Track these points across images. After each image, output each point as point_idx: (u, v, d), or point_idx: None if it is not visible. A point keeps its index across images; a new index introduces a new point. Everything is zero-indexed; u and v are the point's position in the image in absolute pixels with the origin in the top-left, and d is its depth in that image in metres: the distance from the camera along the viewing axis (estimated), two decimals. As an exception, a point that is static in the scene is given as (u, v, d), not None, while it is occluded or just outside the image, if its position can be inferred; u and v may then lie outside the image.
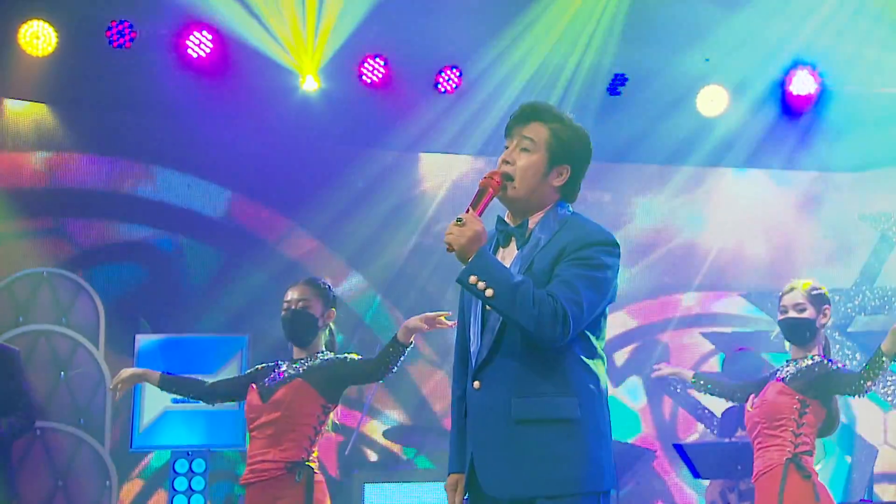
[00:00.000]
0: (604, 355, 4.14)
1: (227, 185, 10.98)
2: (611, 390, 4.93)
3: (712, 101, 11.29)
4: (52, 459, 9.66)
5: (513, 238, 4.17)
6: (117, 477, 9.62)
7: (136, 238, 10.69)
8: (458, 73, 11.06)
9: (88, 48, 10.04)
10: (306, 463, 6.15)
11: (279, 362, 6.40)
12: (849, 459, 11.20)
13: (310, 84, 10.60)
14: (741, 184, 12.00)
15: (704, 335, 11.66)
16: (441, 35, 11.05)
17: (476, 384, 4.07)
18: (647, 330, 11.67)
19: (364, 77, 10.85)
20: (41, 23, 9.77)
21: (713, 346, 11.63)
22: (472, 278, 3.90)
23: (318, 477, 6.22)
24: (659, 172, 11.72)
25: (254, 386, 6.33)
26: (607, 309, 4.19)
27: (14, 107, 10.35)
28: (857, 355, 11.31)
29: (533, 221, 4.17)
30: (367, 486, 7.66)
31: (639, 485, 9.81)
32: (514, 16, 10.82)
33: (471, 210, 4.01)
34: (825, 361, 6.50)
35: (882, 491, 11.20)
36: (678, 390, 11.52)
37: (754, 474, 6.53)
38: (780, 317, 6.62)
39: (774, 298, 11.44)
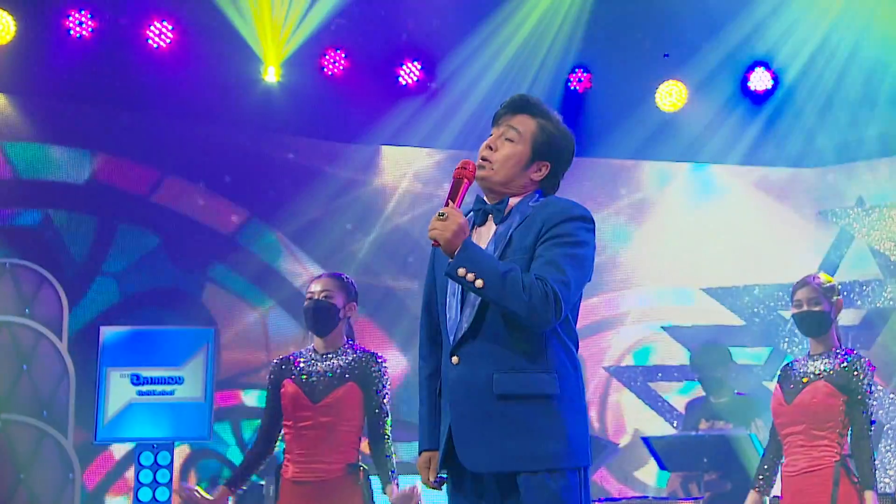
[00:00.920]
0: (577, 333, 4.23)
1: (186, 176, 10.99)
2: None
3: (671, 95, 11.37)
4: (15, 452, 9.65)
5: (489, 216, 4.24)
6: (80, 470, 9.59)
7: (97, 229, 10.61)
8: (418, 67, 11.11)
9: (47, 37, 9.99)
10: (360, 463, 6.26)
11: (300, 353, 6.41)
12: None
13: (271, 76, 10.61)
14: (700, 179, 12.13)
15: (665, 329, 11.77)
16: (402, 28, 11.10)
17: (455, 359, 4.11)
18: (605, 324, 11.79)
19: (325, 69, 10.88)
20: (-1, 10, 9.74)
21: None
22: (461, 270, 3.96)
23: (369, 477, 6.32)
24: (619, 168, 11.84)
25: (291, 381, 6.29)
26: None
27: (-30, 95, 10.30)
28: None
29: (513, 201, 4.24)
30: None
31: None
32: (478, 10, 10.91)
33: (451, 203, 4.05)
34: (863, 365, 6.54)
35: None
36: (638, 383, 11.64)
37: (793, 470, 6.56)
38: (795, 311, 6.69)
39: (734, 293, 11.73)
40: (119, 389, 9.08)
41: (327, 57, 10.94)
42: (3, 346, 9.74)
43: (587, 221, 4.16)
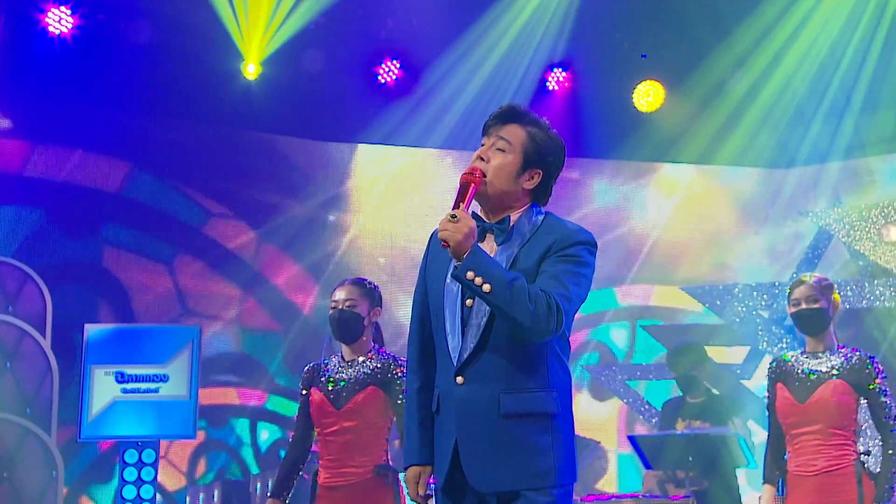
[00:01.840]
0: (570, 350, 4.35)
1: (161, 174, 11.05)
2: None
3: (649, 95, 11.50)
4: (-3, 450, 9.67)
5: (488, 233, 4.29)
6: (64, 467, 9.61)
7: (74, 227, 10.67)
8: (397, 66, 11.20)
9: (25, 34, 10.04)
10: (389, 464, 6.28)
11: (327, 361, 6.51)
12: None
13: (250, 72, 10.67)
14: (677, 178, 12.25)
15: (643, 328, 11.89)
16: (381, 27, 11.18)
17: (460, 379, 4.17)
18: (584, 322, 11.89)
19: (304, 67, 10.97)
20: (-24, 8, 9.82)
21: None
22: (470, 274, 4.02)
23: (398, 477, 6.34)
24: (596, 166, 11.95)
25: (318, 389, 6.37)
26: None
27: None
28: (796, 345, 11.61)
29: (514, 218, 4.30)
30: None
31: None
32: (458, 10, 11.02)
33: (461, 206, 4.11)
34: (868, 361, 6.59)
35: None
36: (619, 386, 11.76)
37: (811, 470, 6.58)
38: (793, 310, 6.80)
39: (714, 292, 11.84)
40: (103, 387, 9.17)
41: (307, 54, 11.00)
42: (-15, 343, 9.77)
43: (592, 245, 4.27)
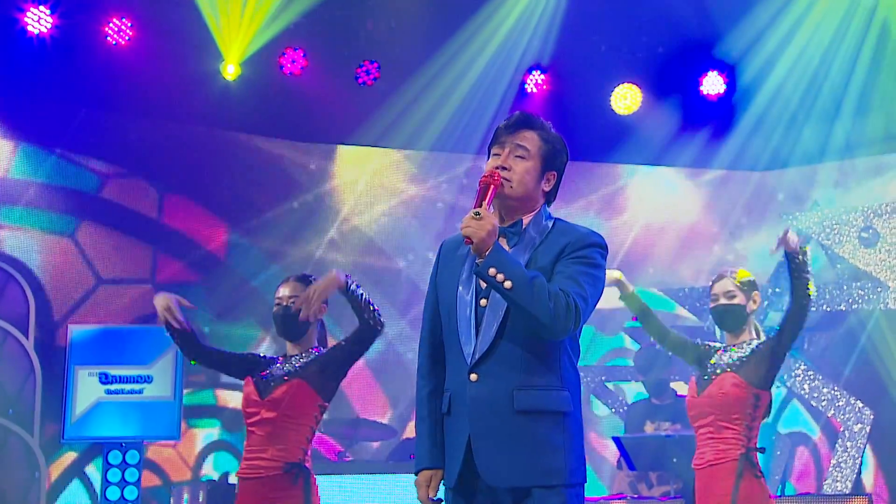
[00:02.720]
0: (581, 352, 4.47)
1: (140, 175, 11.08)
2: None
3: (626, 98, 11.62)
4: (-21, 451, 9.70)
5: (501, 237, 4.38)
6: (46, 468, 9.64)
7: (56, 229, 10.70)
8: (377, 67, 11.24)
9: (4, 34, 10.07)
10: (304, 464, 6.19)
11: (277, 357, 6.52)
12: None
13: (230, 72, 10.71)
14: (652, 181, 12.35)
15: (625, 329, 11.98)
16: (361, 28, 11.23)
17: (474, 377, 4.26)
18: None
19: (284, 68, 11.03)
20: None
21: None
22: (492, 270, 4.14)
23: (313, 479, 6.34)
24: (572, 169, 12.01)
25: (251, 378, 6.36)
26: None
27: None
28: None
29: (525, 221, 4.46)
30: (319, 479, 7.80)
31: None
32: (437, 12, 11.13)
33: (483, 205, 4.24)
34: (763, 341, 6.80)
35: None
36: (598, 387, 11.86)
37: (701, 463, 6.78)
38: (711, 304, 6.96)
39: (693, 294, 11.97)
40: (87, 388, 9.26)
41: (286, 55, 11.05)
42: (-32, 344, 9.80)
43: (604, 248, 4.45)
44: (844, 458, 11.59)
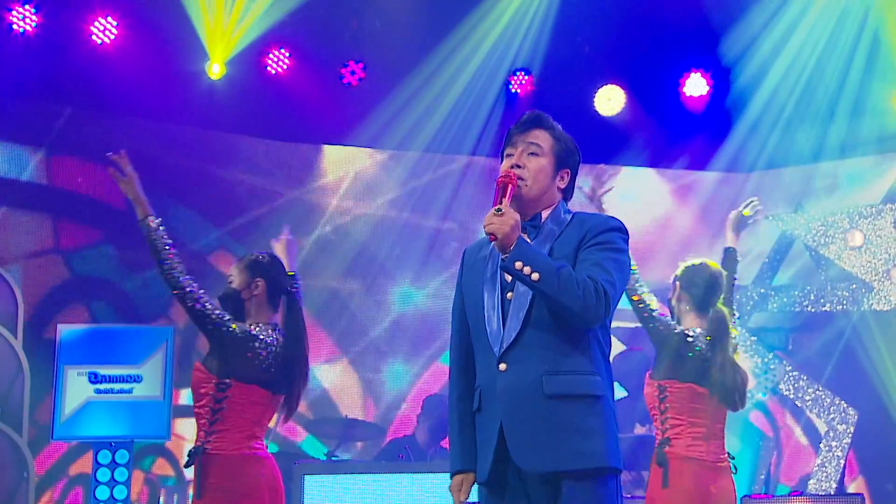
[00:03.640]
0: (611, 338, 4.51)
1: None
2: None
3: (609, 100, 11.70)
4: (-34, 451, 9.70)
5: (524, 232, 4.42)
6: (35, 468, 9.65)
7: (38, 228, 10.70)
8: (362, 67, 11.29)
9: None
10: (202, 445, 6.22)
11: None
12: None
13: (215, 73, 10.75)
14: (635, 182, 12.43)
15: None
16: (346, 28, 11.28)
17: (502, 366, 4.31)
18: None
19: (269, 68, 11.07)
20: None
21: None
22: (518, 264, 4.19)
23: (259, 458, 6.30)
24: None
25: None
26: None
27: None
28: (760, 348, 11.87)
29: (545, 215, 4.54)
30: (308, 479, 7.85)
31: None
32: (422, 12, 11.22)
33: (503, 202, 4.30)
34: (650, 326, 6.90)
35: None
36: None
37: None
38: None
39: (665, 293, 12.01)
40: (77, 387, 9.29)
41: (271, 55, 11.12)
42: (-44, 343, 9.80)
43: (624, 232, 4.53)
44: (829, 457, 11.70)
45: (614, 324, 4.32)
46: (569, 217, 4.54)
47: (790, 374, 11.96)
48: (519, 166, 4.49)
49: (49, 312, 10.53)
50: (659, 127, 12.07)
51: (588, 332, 4.33)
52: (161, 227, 6.44)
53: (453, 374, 4.61)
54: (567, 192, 4.63)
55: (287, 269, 6.67)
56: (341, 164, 12.14)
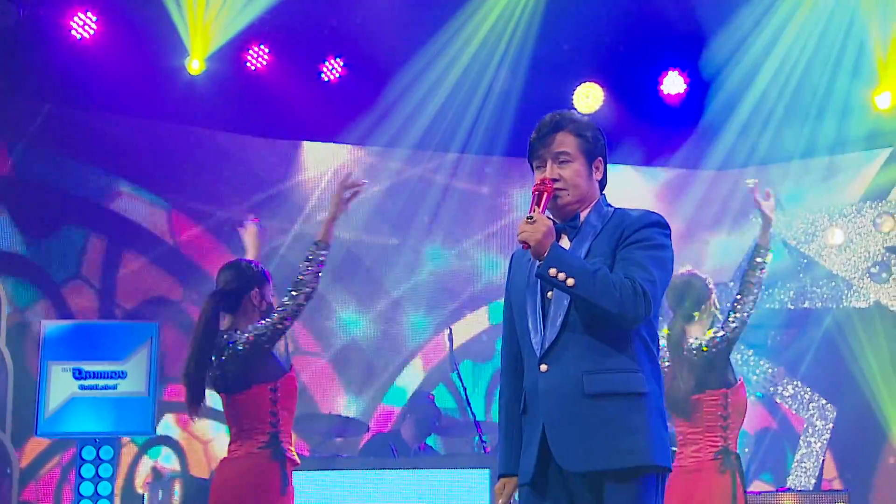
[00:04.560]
0: (658, 335, 4.49)
1: (109, 171, 11.10)
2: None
3: (588, 97, 11.75)
4: (-50, 447, 9.72)
5: (562, 234, 4.48)
6: (19, 464, 9.66)
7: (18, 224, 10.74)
8: (341, 63, 11.33)
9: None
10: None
11: None
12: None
13: (195, 68, 10.76)
14: (613, 179, 12.45)
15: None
16: (326, 24, 11.30)
17: (544, 367, 4.32)
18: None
19: (248, 63, 11.09)
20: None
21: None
22: (552, 270, 4.20)
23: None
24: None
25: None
26: None
27: None
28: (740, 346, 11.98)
29: (583, 215, 4.51)
30: (296, 475, 7.87)
31: None
32: (402, 8, 11.24)
33: (536, 209, 4.34)
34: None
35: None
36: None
37: None
38: None
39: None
40: (61, 383, 9.32)
41: (251, 51, 11.14)
42: (-60, 340, 9.82)
43: (664, 227, 4.46)
44: (808, 452, 11.80)
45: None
46: (611, 211, 4.51)
47: (769, 370, 12.07)
48: (555, 179, 4.45)
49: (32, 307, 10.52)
50: (637, 125, 12.14)
51: (630, 329, 4.32)
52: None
53: (503, 378, 4.63)
54: (603, 182, 4.61)
55: (253, 256, 6.94)
56: (321, 160, 12.19)
